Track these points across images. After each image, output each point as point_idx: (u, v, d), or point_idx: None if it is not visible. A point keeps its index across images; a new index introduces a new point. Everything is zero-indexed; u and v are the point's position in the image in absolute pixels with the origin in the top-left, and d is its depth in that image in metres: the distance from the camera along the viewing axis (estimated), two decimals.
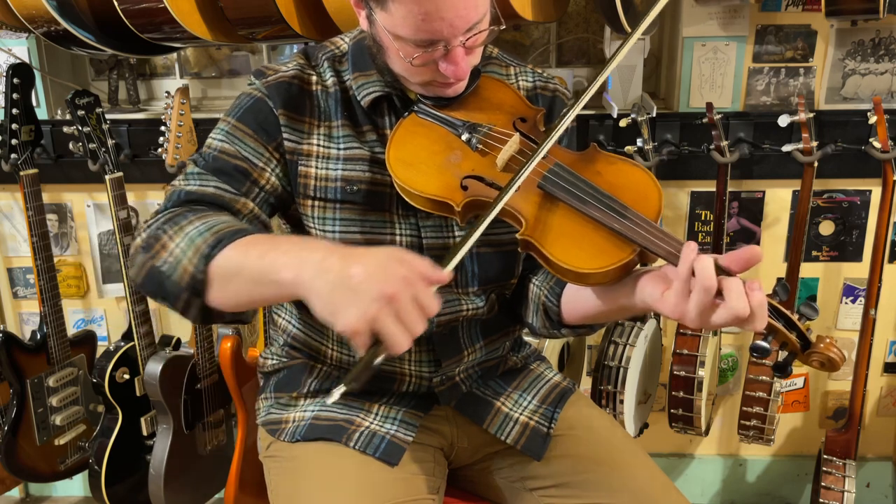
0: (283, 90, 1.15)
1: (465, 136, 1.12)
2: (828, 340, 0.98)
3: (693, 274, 0.92)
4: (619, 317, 1.13)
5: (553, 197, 1.05)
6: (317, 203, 1.16)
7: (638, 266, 1.02)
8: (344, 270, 0.86)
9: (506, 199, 1.01)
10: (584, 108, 2.29)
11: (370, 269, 0.86)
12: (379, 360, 0.88)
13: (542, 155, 1.05)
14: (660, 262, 1.01)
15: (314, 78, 1.18)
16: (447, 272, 0.91)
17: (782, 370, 1.00)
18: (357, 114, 1.18)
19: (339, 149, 1.16)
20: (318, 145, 1.16)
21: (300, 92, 1.16)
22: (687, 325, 1.06)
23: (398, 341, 0.85)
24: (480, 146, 1.11)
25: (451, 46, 1.04)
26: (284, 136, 1.15)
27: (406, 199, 1.11)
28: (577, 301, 1.15)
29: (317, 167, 1.16)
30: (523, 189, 1.06)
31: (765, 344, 0.97)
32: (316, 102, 1.17)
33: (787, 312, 0.97)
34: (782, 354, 1.00)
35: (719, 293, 0.91)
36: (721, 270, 0.93)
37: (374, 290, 0.84)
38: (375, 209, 1.17)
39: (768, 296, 0.96)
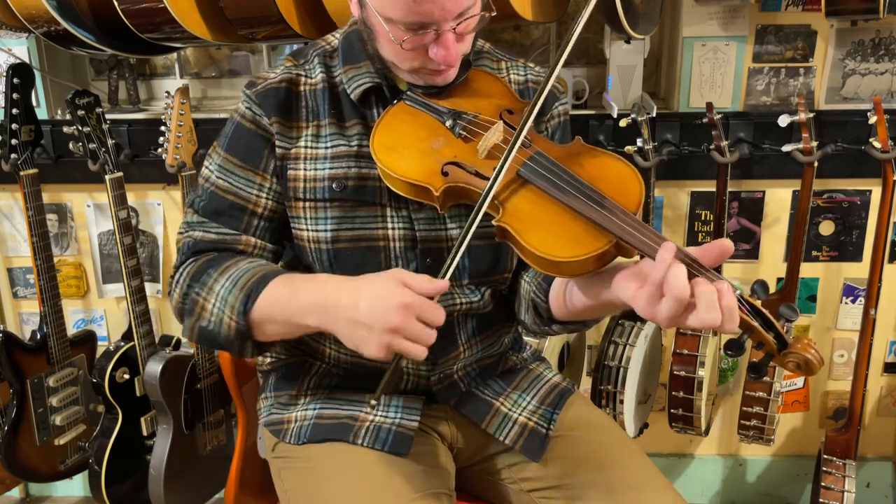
0: (271, 97, 1.16)
1: (448, 123, 1.13)
2: (805, 341, 0.94)
3: (666, 279, 0.90)
4: (605, 312, 1.12)
5: (532, 185, 1.04)
6: (307, 204, 1.17)
7: (617, 258, 1.00)
8: (354, 310, 1.00)
9: (492, 192, 1.02)
10: (585, 108, 2.26)
11: (373, 303, 0.98)
12: (404, 362, 1.10)
13: (521, 136, 1.05)
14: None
15: (302, 78, 1.19)
16: (444, 281, 1.01)
17: (757, 371, 0.99)
18: (344, 108, 1.18)
19: (326, 148, 1.17)
20: (306, 147, 1.17)
21: (289, 95, 1.17)
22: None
23: (416, 354, 0.99)
24: (463, 133, 1.11)
25: (442, 31, 1.05)
26: (277, 143, 1.16)
27: (387, 183, 1.12)
28: (563, 297, 1.14)
29: (305, 169, 1.17)
30: (503, 176, 1.05)
31: (739, 343, 0.95)
32: (304, 103, 1.18)
33: (765, 312, 0.95)
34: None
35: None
36: (693, 264, 0.91)
37: (380, 325, 0.97)
38: (366, 204, 1.17)
39: (748, 296, 0.95)
